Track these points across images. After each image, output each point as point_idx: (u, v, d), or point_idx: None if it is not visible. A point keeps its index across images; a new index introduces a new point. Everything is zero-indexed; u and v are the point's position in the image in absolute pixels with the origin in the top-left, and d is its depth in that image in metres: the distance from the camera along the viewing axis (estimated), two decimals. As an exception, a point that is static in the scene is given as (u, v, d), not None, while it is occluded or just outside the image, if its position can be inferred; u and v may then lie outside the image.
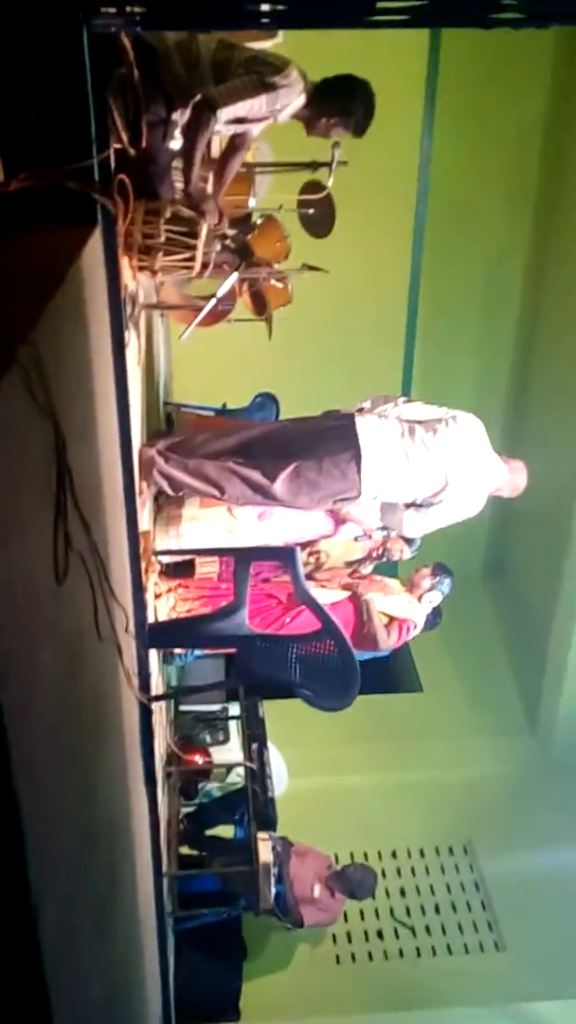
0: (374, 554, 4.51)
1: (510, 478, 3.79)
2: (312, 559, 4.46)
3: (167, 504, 4.02)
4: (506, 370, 7.77)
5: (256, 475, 3.45)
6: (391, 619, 4.30)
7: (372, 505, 4.17)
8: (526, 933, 5.82)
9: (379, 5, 2.35)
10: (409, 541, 4.48)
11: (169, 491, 3.58)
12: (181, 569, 4.31)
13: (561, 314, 7.20)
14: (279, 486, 3.44)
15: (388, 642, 4.23)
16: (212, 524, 4.02)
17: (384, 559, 4.58)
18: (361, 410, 3.72)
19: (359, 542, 4.54)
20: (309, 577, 4.21)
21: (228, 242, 3.61)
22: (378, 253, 6.87)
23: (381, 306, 7.23)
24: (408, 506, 3.74)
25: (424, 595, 4.40)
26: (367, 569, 4.58)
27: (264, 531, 4.14)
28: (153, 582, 3.74)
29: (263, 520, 4.13)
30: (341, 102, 3.09)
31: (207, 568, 4.25)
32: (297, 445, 3.52)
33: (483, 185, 7.02)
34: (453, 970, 5.65)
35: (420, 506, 3.69)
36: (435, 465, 3.54)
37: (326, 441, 3.49)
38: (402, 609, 4.32)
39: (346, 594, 4.32)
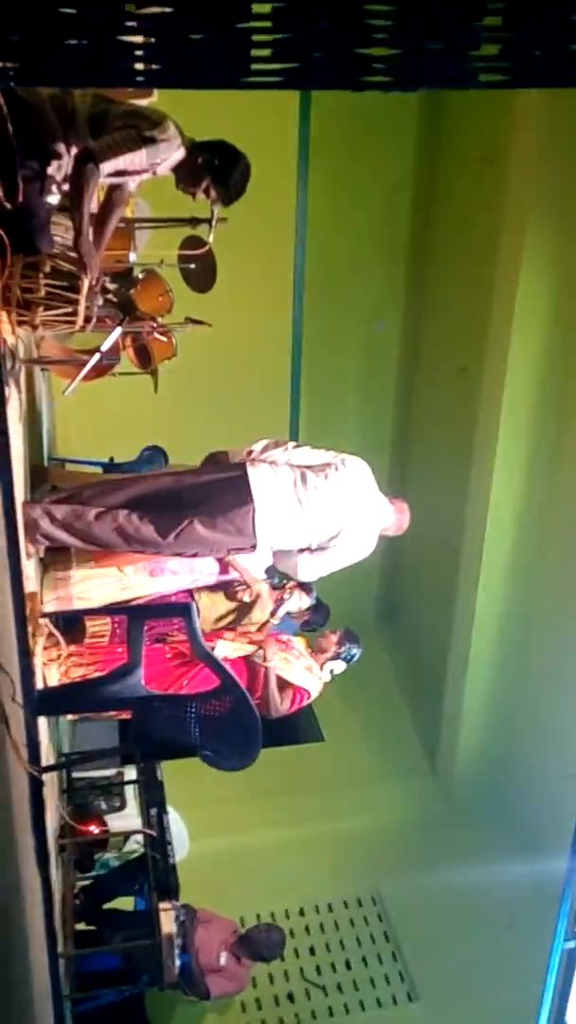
0: (277, 610, 4.38)
1: (395, 528, 3.83)
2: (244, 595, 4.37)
3: (53, 563, 3.87)
4: (388, 416, 7.99)
5: (148, 532, 3.37)
6: (287, 684, 4.18)
7: (262, 554, 4.16)
8: (438, 980, 5.79)
9: (254, 67, 2.38)
10: (306, 588, 4.46)
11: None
12: (70, 627, 4.15)
13: (437, 361, 7.46)
14: (172, 542, 3.38)
15: (281, 709, 4.10)
16: (103, 583, 3.90)
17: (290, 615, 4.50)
18: (250, 453, 3.67)
19: (237, 590, 4.45)
20: (214, 634, 4.09)
21: (110, 296, 3.57)
22: (260, 305, 6.97)
23: (266, 357, 7.33)
24: (302, 551, 3.72)
25: (327, 663, 4.31)
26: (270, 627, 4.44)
27: (157, 585, 4.05)
28: (42, 647, 3.57)
29: (155, 576, 4.04)
30: (219, 170, 3.09)
31: (97, 627, 4.10)
32: (189, 498, 3.45)
33: (358, 238, 7.29)
34: (368, 1028, 5.56)
35: (314, 550, 3.67)
36: (328, 510, 3.54)
37: (219, 494, 3.43)
38: (299, 677, 4.19)
39: (250, 649, 4.19)
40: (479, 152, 6.36)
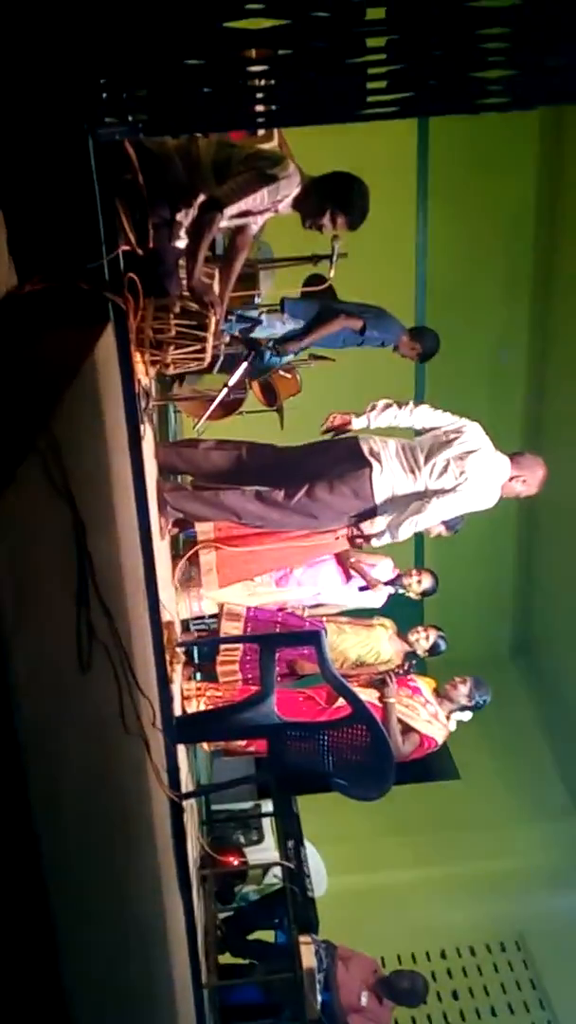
0: (406, 665, 4.34)
1: (528, 473, 3.76)
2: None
3: (185, 584, 4.06)
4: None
5: (274, 496, 3.61)
6: (410, 729, 4.11)
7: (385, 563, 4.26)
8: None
9: (370, 99, 2.44)
10: (430, 571, 4.51)
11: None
12: (205, 659, 4.28)
13: (566, 391, 7.27)
14: (296, 506, 3.58)
15: (402, 752, 4.03)
16: (232, 591, 4.06)
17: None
18: (373, 406, 3.83)
19: (362, 593, 4.45)
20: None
21: (237, 335, 3.69)
22: (383, 340, 7.00)
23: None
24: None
25: (453, 712, 4.22)
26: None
27: (282, 595, 4.17)
28: (179, 674, 3.68)
29: (281, 585, 4.14)
30: (340, 196, 3.20)
31: (229, 655, 4.20)
32: (307, 467, 3.66)
33: (480, 268, 7.22)
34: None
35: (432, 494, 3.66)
36: (440, 467, 3.60)
37: (335, 462, 3.63)
38: (424, 726, 4.13)
39: (373, 693, 4.16)
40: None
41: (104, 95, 2.30)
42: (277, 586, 4.15)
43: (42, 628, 1.56)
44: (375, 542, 3.83)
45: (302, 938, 4.30)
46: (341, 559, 4.28)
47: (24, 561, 1.46)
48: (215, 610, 4.22)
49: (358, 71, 2.40)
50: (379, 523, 4.05)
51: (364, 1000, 4.64)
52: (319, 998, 4.27)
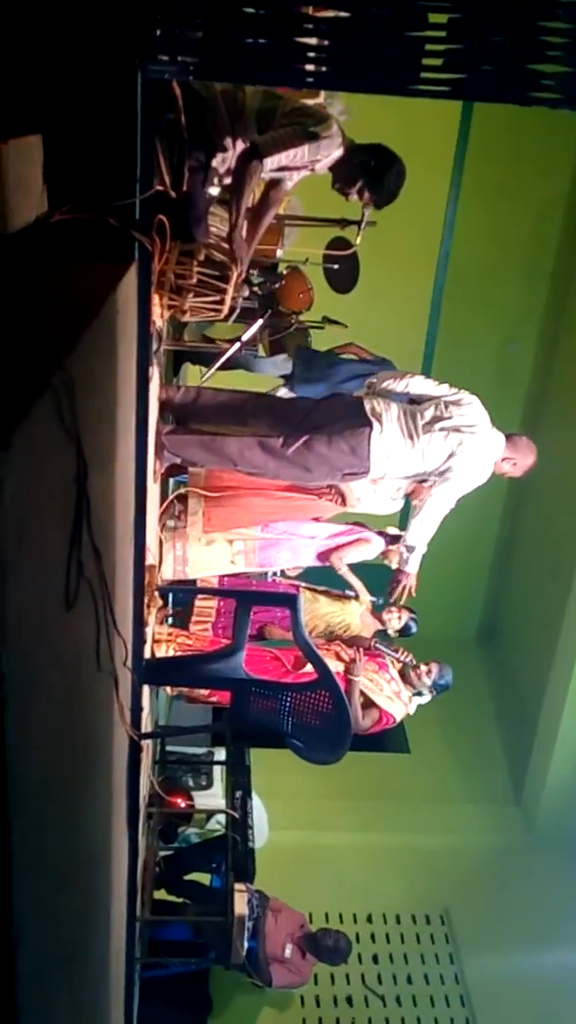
0: (393, 647, 4.39)
1: (520, 457, 3.78)
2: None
3: (172, 531, 4.09)
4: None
5: (270, 443, 3.57)
6: (371, 704, 4.18)
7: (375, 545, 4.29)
8: (501, 1013, 5.67)
9: (423, 75, 2.42)
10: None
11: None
12: (180, 605, 4.33)
13: (571, 391, 7.29)
14: (292, 455, 3.55)
15: (361, 725, 4.10)
16: (217, 553, 4.07)
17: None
18: (371, 386, 3.82)
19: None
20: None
21: (255, 289, 3.68)
22: (397, 312, 6.98)
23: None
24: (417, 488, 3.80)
25: (414, 696, 4.28)
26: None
27: (263, 565, 4.22)
28: (153, 619, 3.73)
29: (263, 567, 4.19)
30: (375, 173, 3.15)
31: (205, 605, 4.25)
32: (307, 418, 3.62)
33: (502, 257, 7.20)
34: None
35: (430, 479, 3.71)
36: (437, 438, 3.60)
37: (336, 417, 3.59)
38: (385, 701, 4.19)
39: (339, 665, 4.23)
40: None
41: (159, 32, 2.27)
42: (259, 567, 4.21)
43: (36, 565, 1.59)
44: (411, 563, 3.85)
45: (237, 885, 4.41)
46: (329, 561, 4.32)
47: (28, 496, 1.48)
48: (195, 575, 4.26)
49: (415, 45, 2.38)
50: (359, 489, 4.12)
51: (288, 952, 4.78)
52: (246, 944, 4.40)
